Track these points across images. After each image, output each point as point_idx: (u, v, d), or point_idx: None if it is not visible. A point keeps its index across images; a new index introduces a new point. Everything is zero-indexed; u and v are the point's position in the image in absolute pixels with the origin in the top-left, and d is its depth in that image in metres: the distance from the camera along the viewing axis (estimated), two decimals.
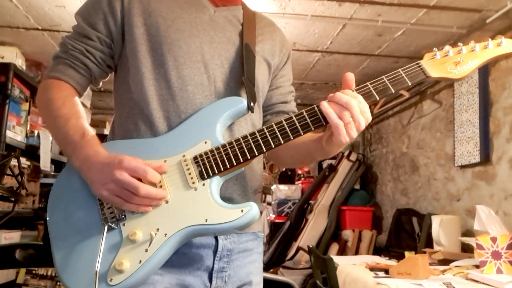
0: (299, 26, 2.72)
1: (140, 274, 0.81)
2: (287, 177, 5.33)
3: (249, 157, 0.87)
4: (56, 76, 0.95)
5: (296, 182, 5.09)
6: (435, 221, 2.71)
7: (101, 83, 1.04)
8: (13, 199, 2.32)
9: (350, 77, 0.87)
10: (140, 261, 0.82)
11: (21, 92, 2.52)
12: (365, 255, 3.58)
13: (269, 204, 5.16)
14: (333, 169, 4.35)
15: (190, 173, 0.86)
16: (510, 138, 2.50)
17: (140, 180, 0.82)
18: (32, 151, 2.60)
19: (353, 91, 0.86)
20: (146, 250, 0.82)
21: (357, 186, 4.35)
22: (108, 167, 0.81)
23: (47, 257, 0.88)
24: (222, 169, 0.86)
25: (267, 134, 0.87)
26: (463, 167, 2.91)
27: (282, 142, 0.87)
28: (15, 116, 2.48)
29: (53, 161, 2.80)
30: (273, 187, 4.85)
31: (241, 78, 0.97)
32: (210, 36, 0.98)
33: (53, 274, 2.54)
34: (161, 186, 0.85)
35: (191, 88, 0.94)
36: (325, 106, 0.83)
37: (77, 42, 0.96)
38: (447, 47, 0.91)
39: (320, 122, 0.86)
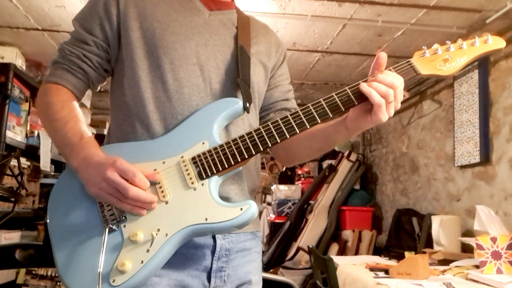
0: (299, 26, 2.72)
1: (143, 274, 0.82)
2: (287, 177, 5.34)
3: (246, 156, 0.88)
4: (54, 81, 0.97)
5: (296, 182, 5.09)
6: (435, 221, 2.71)
7: (99, 86, 1.05)
8: (13, 199, 2.32)
9: (383, 55, 0.90)
10: (142, 261, 0.82)
11: (21, 92, 2.52)
12: (365, 255, 3.58)
13: (269, 204, 5.16)
14: (333, 169, 4.35)
15: (189, 174, 0.87)
16: (510, 138, 2.49)
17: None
18: (32, 151, 2.60)
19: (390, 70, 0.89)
20: (148, 251, 0.83)
21: (357, 186, 4.35)
22: (102, 166, 0.82)
23: (47, 257, 0.89)
24: (221, 169, 0.87)
25: (263, 133, 0.89)
26: (463, 167, 2.91)
27: (279, 141, 0.88)
28: (15, 116, 2.48)
29: (53, 161, 2.80)
30: (273, 187, 4.85)
31: (236, 79, 0.98)
32: (206, 38, 0.99)
33: (53, 274, 2.54)
34: (160, 187, 0.86)
35: (187, 90, 0.94)
36: (365, 86, 0.86)
37: (74, 47, 0.97)
38: (435, 45, 0.93)
39: (316, 120, 0.88)
